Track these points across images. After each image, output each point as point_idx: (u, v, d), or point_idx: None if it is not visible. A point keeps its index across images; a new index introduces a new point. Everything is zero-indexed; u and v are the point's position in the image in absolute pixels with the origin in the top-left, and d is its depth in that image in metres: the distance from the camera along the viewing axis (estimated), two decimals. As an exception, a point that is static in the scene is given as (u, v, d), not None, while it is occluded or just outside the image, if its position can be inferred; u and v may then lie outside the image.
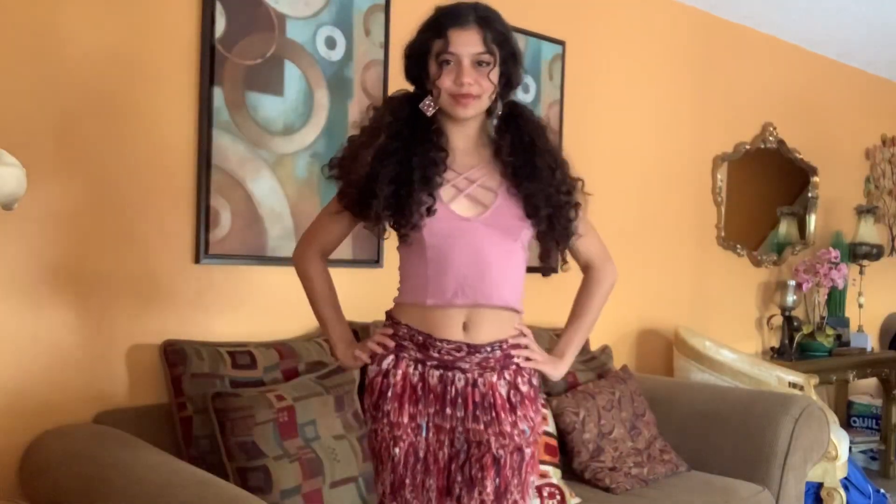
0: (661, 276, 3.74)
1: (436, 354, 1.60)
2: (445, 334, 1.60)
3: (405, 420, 1.59)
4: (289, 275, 2.55)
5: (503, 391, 1.60)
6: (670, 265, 3.80)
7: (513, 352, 1.65)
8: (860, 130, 4.93)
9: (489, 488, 1.58)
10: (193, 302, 2.34)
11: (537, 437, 1.66)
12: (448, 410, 1.59)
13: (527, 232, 1.65)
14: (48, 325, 2.10)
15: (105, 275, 2.19)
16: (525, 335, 1.68)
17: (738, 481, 2.74)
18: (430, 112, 1.61)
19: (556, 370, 1.74)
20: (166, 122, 2.28)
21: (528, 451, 1.62)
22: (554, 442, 2.62)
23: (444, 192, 1.60)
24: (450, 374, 1.59)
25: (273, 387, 2.16)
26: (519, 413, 1.60)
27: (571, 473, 2.65)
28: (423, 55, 1.61)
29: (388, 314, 1.70)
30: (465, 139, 1.66)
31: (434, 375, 1.59)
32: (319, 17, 2.56)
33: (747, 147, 4.14)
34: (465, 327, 1.60)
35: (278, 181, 2.47)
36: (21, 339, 2.06)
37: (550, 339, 3.00)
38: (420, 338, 1.61)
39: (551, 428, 2.65)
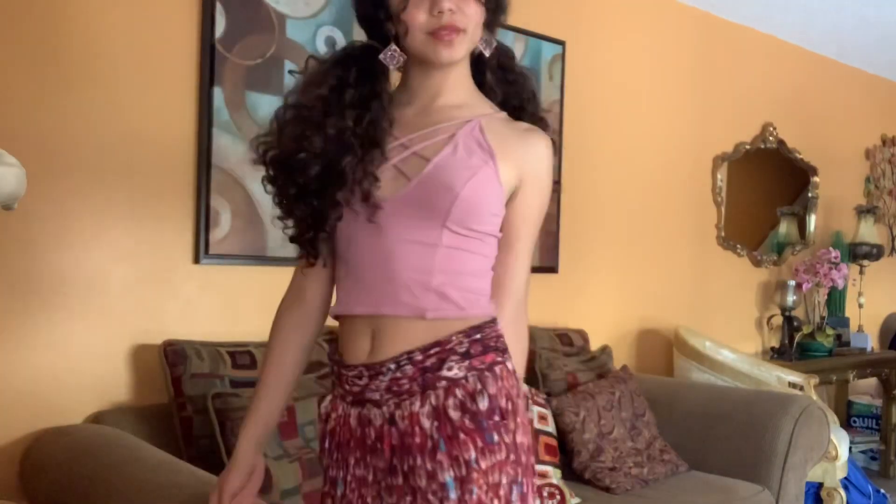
0: (661, 276, 3.74)
1: (347, 386, 1.23)
2: (351, 357, 1.23)
3: (339, 476, 1.24)
4: (288, 275, 2.55)
5: (426, 423, 1.15)
6: (670, 265, 3.80)
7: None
8: (860, 130, 4.93)
9: None
10: (193, 302, 2.34)
11: (488, 487, 1.13)
12: (369, 459, 1.20)
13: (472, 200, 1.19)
14: (48, 325, 2.10)
15: (105, 274, 2.19)
16: None
17: (738, 481, 2.73)
18: (394, 64, 1.24)
19: None
20: (166, 122, 2.28)
21: None
22: (554, 442, 2.62)
23: None
24: (364, 410, 1.20)
25: (273, 387, 2.15)
26: (442, 456, 1.13)
27: (571, 473, 2.65)
28: None
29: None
30: (430, 93, 1.26)
31: (353, 415, 1.22)
32: (319, 17, 2.56)
33: (747, 147, 4.14)
34: (371, 344, 1.21)
35: (278, 181, 2.47)
36: (22, 338, 2.06)
37: (550, 339, 3.01)
38: (335, 368, 1.26)
39: (551, 428, 2.65)
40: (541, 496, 2.43)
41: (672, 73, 3.78)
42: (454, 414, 1.14)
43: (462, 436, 1.13)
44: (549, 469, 2.53)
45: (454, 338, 1.17)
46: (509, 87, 1.32)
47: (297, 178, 1.20)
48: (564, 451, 2.67)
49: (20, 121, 2.05)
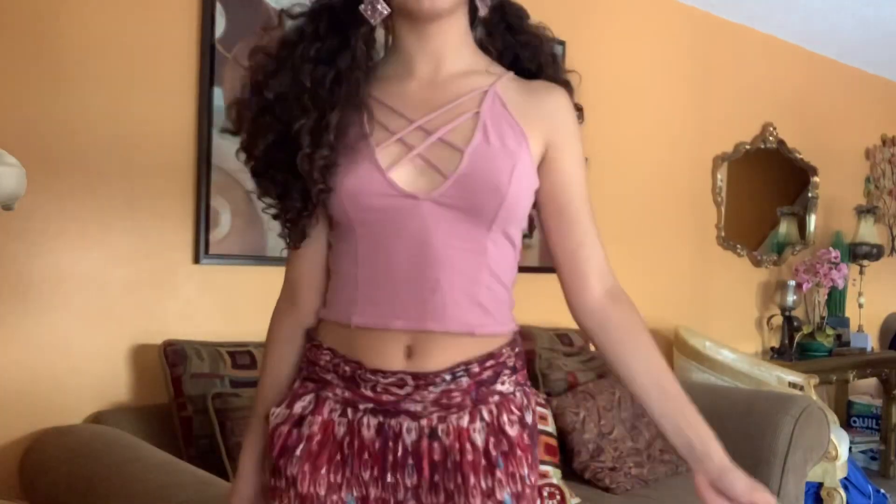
0: (661, 276, 3.74)
1: (369, 393, 1.06)
2: (380, 362, 1.06)
3: (322, 491, 1.05)
4: (289, 275, 2.56)
5: (479, 440, 1.04)
6: (670, 265, 3.80)
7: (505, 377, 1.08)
8: (860, 130, 4.93)
9: None
10: (193, 302, 2.34)
11: (531, 501, 1.09)
12: (391, 478, 1.05)
13: (518, 201, 1.06)
14: (48, 325, 2.10)
15: (105, 274, 2.19)
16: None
17: (738, 481, 2.73)
18: (375, 17, 1.06)
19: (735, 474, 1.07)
20: (166, 122, 2.28)
21: None
22: (554, 442, 2.62)
23: (384, 153, 1.05)
24: (393, 422, 1.05)
25: (273, 387, 2.15)
26: (501, 474, 1.04)
27: (571, 473, 2.64)
28: None
29: (310, 334, 1.17)
30: (432, 60, 1.09)
31: (370, 425, 1.05)
32: (319, 17, 2.56)
33: (747, 147, 4.14)
34: (410, 352, 1.06)
35: (278, 181, 2.47)
36: (21, 339, 2.06)
37: (550, 339, 3.01)
38: (347, 368, 1.08)
39: (551, 428, 2.65)
40: (541, 496, 2.43)
41: (672, 73, 3.78)
42: (511, 430, 1.06)
43: (518, 452, 1.06)
44: (549, 469, 2.53)
45: (504, 351, 1.10)
46: (523, 49, 1.16)
47: (252, 150, 1.10)
48: (564, 451, 2.67)
49: (20, 121, 2.04)
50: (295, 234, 1.12)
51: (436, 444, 1.04)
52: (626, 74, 3.56)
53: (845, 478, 3.42)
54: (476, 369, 1.06)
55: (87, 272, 2.16)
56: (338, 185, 1.05)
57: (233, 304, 2.41)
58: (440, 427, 1.04)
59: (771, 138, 4.25)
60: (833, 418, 3.28)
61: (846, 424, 4.56)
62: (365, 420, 1.06)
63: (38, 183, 1.99)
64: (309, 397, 1.10)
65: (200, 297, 2.35)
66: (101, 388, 2.18)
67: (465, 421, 1.04)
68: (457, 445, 1.04)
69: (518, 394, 1.09)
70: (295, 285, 1.17)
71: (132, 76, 2.21)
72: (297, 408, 1.09)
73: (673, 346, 3.59)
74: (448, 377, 1.04)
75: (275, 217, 1.13)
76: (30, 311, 2.07)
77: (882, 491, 3.77)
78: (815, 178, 4.54)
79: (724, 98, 4.03)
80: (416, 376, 1.04)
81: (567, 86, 1.17)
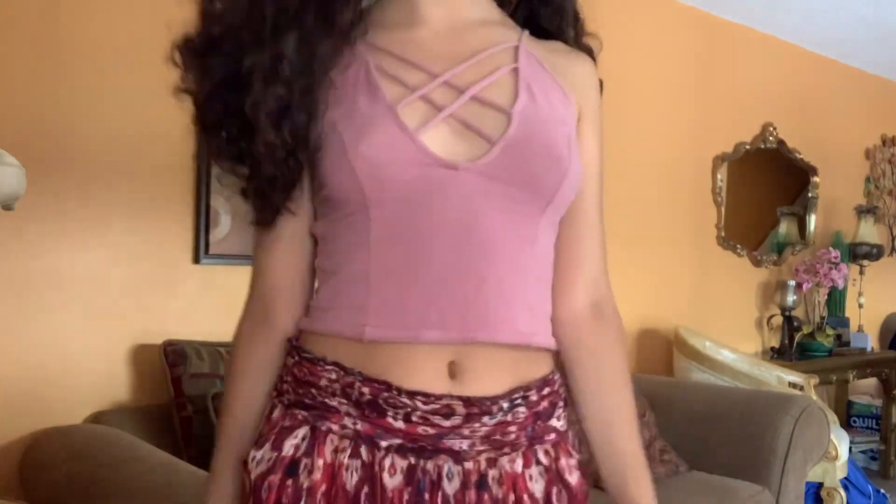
0: (661, 276, 3.74)
1: (400, 424, 0.81)
2: (418, 383, 0.81)
3: None
4: (289, 275, 2.55)
5: (537, 490, 0.83)
6: (670, 265, 3.80)
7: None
8: (860, 130, 4.93)
9: None
10: (193, 302, 2.34)
11: None
12: None
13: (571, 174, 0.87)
14: (49, 325, 2.10)
15: (105, 274, 2.19)
16: None
17: (738, 481, 2.73)
18: None
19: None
20: (166, 122, 2.28)
21: None
22: (554, 442, 2.62)
23: (408, 111, 0.81)
24: (430, 465, 0.80)
25: (273, 387, 2.16)
26: None
27: (571, 473, 2.65)
28: None
29: (294, 346, 0.88)
30: (442, 4, 0.88)
31: (396, 469, 0.80)
32: (319, 17, 2.56)
33: (747, 147, 4.14)
34: (453, 370, 0.82)
35: (278, 181, 2.47)
36: (21, 339, 2.06)
37: (550, 339, 3.01)
38: (366, 390, 0.81)
39: (551, 428, 2.65)
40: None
41: (672, 73, 3.78)
42: (571, 477, 0.85)
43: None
44: (549, 469, 2.53)
45: (556, 378, 0.89)
46: (542, 5, 0.99)
47: (197, 97, 0.88)
48: (564, 451, 2.68)
49: (20, 121, 2.04)
50: (265, 209, 0.87)
51: (486, 496, 0.80)
52: (626, 74, 3.56)
53: (845, 478, 3.42)
54: (534, 398, 0.84)
55: (87, 272, 2.16)
56: (350, 154, 0.79)
57: (233, 304, 2.38)
58: (490, 473, 0.81)
59: (771, 138, 4.25)
60: (833, 418, 3.28)
61: (846, 424, 4.56)
62: (388, 462, 0.80)
63: (38, 183, 1.99)
64: (302, 432, 0.83)
65: (200, 297, 2.35)
66: (101, 388, 2.18)
67: (518, 465, 0.82)
68: (511, 497, 0.81)
69: (570, 433, 0.90)
70: (269, 299, 0.92)
71: (132, 76, 2.21)
72: (288, 448, 0.82)
73: (673, 346, 3.59)
74: (506, 405, 0.82)
75: (243, 192, 0.88)
76: (30, 311, 2.07)
77: (882, 491, 3.77)
78: (815, 178, 4.54)
79: (725, 98, 4.03)
80: (467, 402, 0.81)
81: (590, 53, 1.01)
